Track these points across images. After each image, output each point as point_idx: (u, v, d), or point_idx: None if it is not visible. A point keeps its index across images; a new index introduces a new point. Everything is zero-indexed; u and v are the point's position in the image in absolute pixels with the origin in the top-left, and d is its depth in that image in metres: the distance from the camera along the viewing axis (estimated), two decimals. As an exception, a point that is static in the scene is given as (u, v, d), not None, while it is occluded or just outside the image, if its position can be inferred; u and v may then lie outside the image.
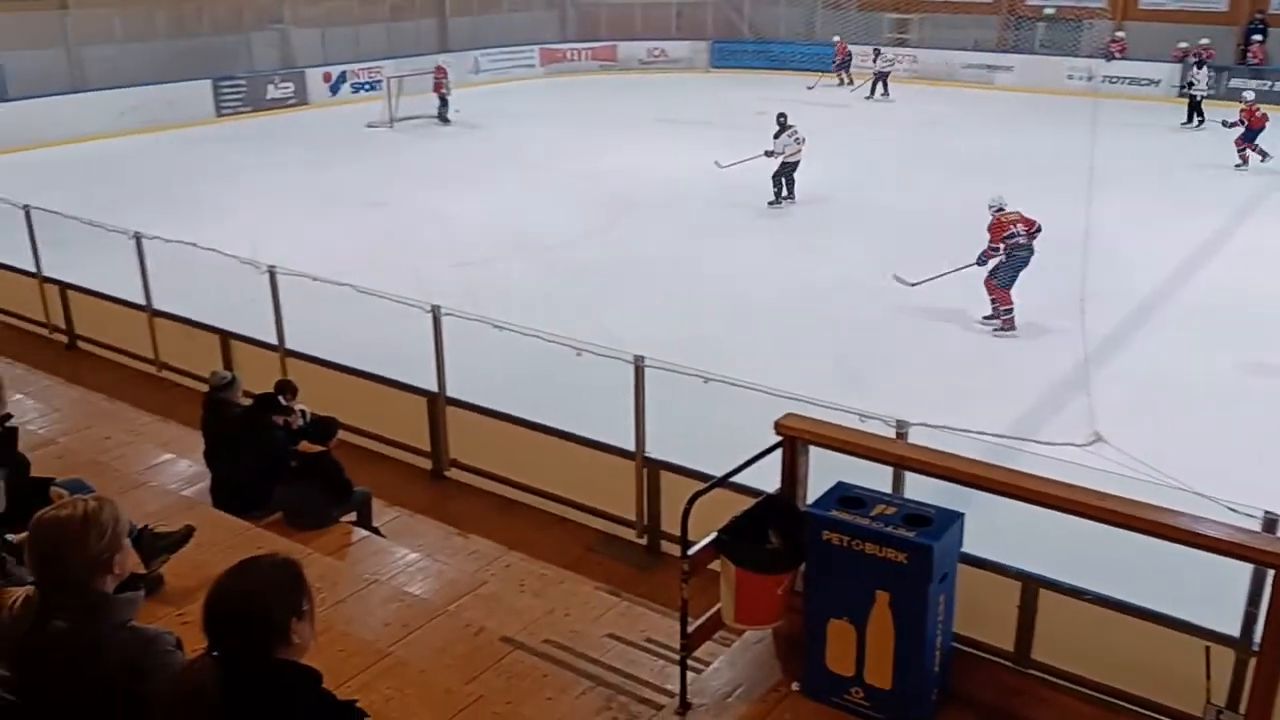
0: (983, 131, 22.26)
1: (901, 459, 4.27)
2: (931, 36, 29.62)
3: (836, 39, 28.42)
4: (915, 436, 5.63)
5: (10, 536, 3.14)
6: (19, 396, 6.66)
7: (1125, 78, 26.13)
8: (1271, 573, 3.21)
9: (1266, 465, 7.87)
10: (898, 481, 5.09)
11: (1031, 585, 5.38)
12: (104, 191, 16.01)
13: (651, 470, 7.08)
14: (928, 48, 29.27)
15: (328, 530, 6.06)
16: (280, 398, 6.48)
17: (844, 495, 3.70)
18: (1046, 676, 4.33)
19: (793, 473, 3.98)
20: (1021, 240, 10.85)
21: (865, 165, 18.99)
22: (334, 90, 25.82)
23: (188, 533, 4.32)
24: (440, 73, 23.55)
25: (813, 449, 3.97)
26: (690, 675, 3.86)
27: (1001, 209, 11.14)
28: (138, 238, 9.90)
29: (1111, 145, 16.54)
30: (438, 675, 3.98)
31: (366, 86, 25.83)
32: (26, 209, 10.78)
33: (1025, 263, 10.90)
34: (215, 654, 2.22)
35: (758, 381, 6.28)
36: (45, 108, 20.37)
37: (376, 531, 6.33)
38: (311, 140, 21.40)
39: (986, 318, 11.21)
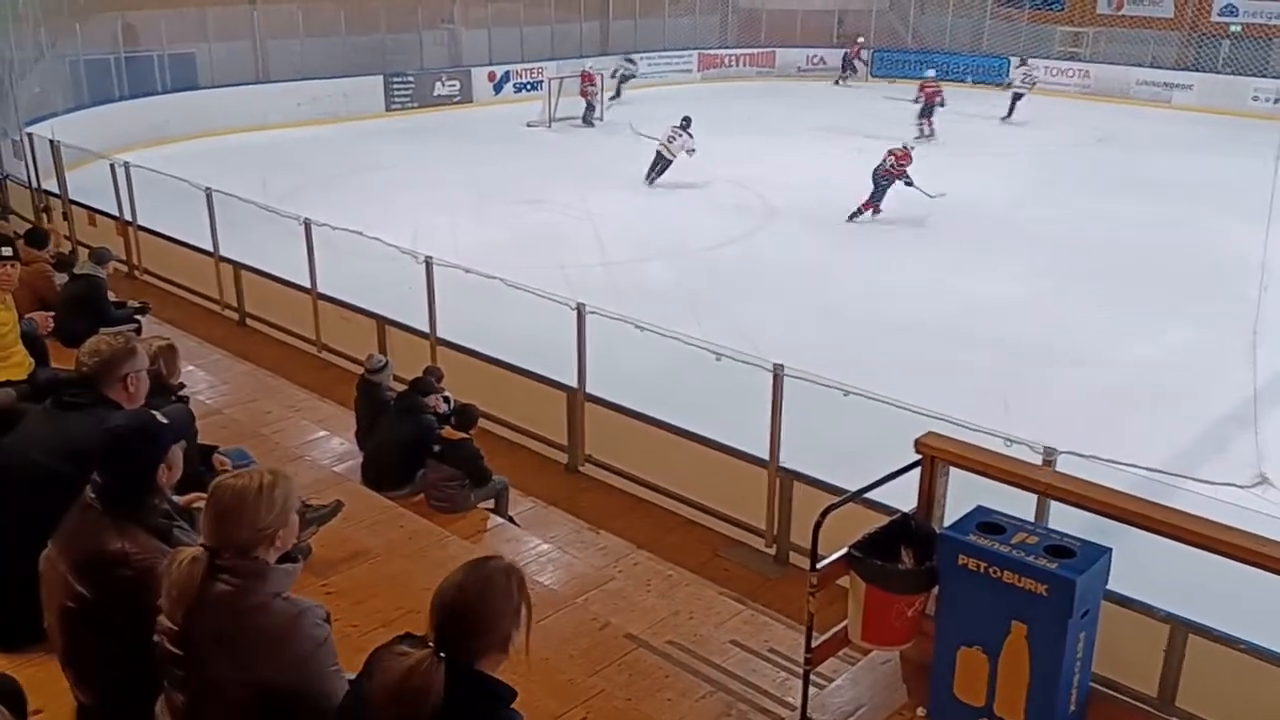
0: (1154, 151, 21.24)
1: (1047, 487, 4.12)
2: (1106, 51, 28.41)
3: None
4: (1063, 465, 5.43)
5: (176, 498, 3.34)
6: (191, 368, 7.08)
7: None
8: None
9: None
10: (1041, 510, 4.92)
11: (1181, 630, 5.12)
12: (281, 178, 16.88)
13: (785, 480, 7.03)
14: (1101, 62, 28.07)
15: (465, 514, 6.26)
16: (430, 382, 6.72)
17: (983, 520, 3.60)
18: (1190, 724, 4.12)
19: (930, 493, 3.90)
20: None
21: (1023, 183, 18.36)
22: (497, 89, 26.50)
23: (337, 507, 4.52)
24: (586, 79, 23.94)
25: (953, 470, 3.88)
26: (812, 690, 3.82)
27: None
28: (307, 224, 10.40)
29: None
30: (562, 665, 4.06)
31: (528, 86, 26.41)
32: (208, 191, 11.46)
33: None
34: (442, 655, 2.23)
35: (899, 398, 6.17)
36: (232, 97, 21.57)
37: (511, 520, 6.49)
38: (474, 137, 22.03)
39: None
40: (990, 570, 3.42)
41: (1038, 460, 5.43)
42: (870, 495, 3.93)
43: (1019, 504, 3.97)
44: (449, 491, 6.30)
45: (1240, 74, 26.12)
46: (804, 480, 6.92)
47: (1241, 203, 13.29)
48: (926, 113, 22.01)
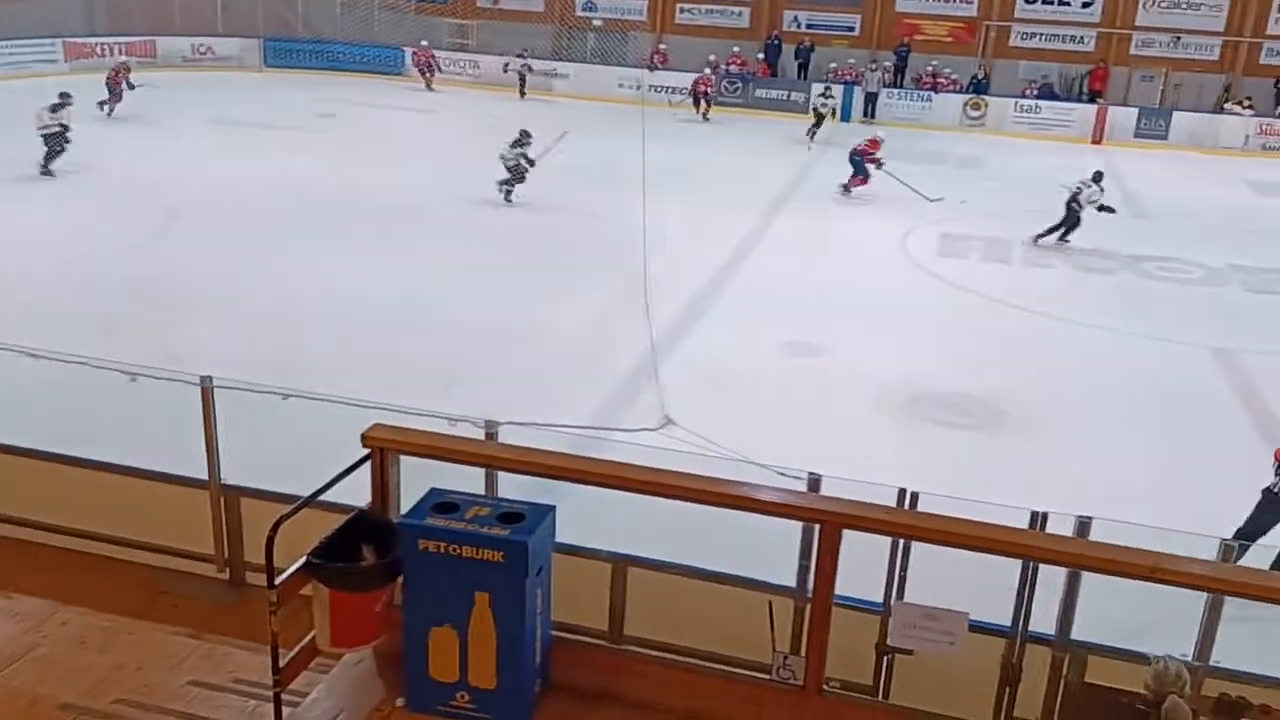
0: (547, 134, 23.14)
1: (492, 459, 4.32)
2: (491, 42, 30.30)
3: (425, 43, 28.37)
4: (506, 435, 5.71)
5: None
6: None
7: (669, 87, 28.32)
8: (818, 527, 3.62)
9: (811, 432, 8.90)
10: (491, 482, 5.13)
11: (620, 566, 5.66)
12: None
13: (230, 497, 6.57)
14: (490, 53, 29.87)
15: None
16: None
17: (438, 502, 3.66)
18: (639, 650, 4.57)
19: (384, 484, 3.88)
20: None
21: (436, 168, 19.03)
22: None
23: None
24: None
25: (405, 458, 3.89)
26: (286, 710, 3.63)
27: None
28: None
29: (663, 151, 17.89)
30: (-18, 761, 3.43)
31: None
32: None
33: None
34: None
35: (344, 393, 6.06)
36: None
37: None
38: None
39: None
40: (450, 549, 3.49)
41: (481, 434, 5.66)
42: (325, 498, 3.80)
43: (477, 480, 4.09)
44: None
45: (607, 63, 29.39)
46: (251, 494, 6.52)
47: (619, 179, 14.97)
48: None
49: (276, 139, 18.49)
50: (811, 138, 23.78)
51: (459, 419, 5.62)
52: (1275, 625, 4.15)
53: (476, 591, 3.50)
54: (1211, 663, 4.93)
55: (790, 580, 5.28)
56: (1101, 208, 16.07)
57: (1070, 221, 16.16)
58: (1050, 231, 16.20)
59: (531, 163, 16.74)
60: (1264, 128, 26.16)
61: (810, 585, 4.20)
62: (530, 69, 28.02)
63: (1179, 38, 27.80)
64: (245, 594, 6.46)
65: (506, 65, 28.20)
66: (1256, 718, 3.65)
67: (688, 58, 28.75)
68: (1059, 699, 5.02)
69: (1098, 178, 16.28)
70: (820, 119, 24.16)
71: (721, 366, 10.67)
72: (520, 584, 3.48)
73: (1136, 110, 26.89)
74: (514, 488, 4.21)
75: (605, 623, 5.64)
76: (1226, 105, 27.00)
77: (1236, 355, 11.75)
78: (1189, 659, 4.78)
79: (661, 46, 29.78)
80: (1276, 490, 7.23)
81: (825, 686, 3.49)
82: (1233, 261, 15.62)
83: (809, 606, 3.97)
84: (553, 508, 3.71)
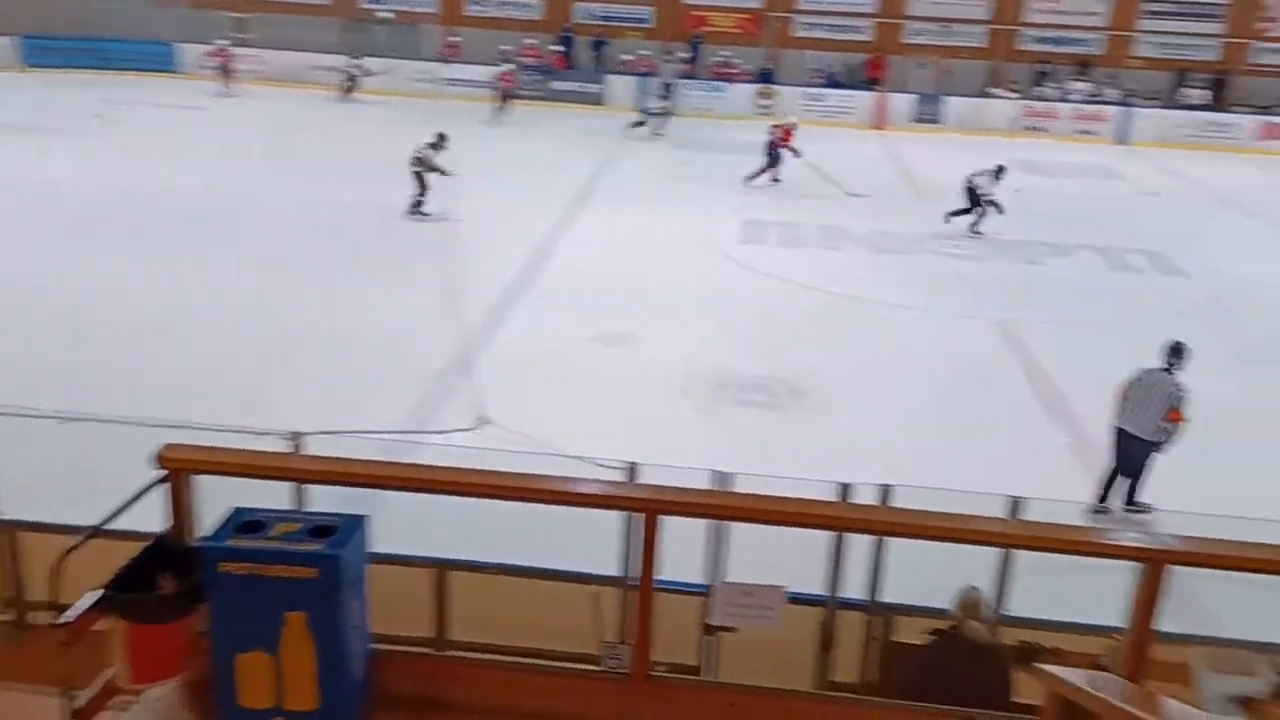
0: (335, 132, 22.44)
1: (298, 473, 4.14)
2: (278, 37, 29.08)
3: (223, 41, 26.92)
4: (314, 446, 5.50)
5: None
6: None
7: (465, 80, 27.96)
8: (632, 515, 3.65)
9: (626, 423, 8.99)
10: (300, 496, 4.93)
11: (441, 571, 5.57)
12: None
13: (7, 532, 6.08)
14: (275, 48, 28.67)
15: None
16: None
17: (243, 521, 3.48)
18: (467, 655, 4.50)
19: (180, 507, 3.65)
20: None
21: (223, 169, 18.13)
22: None
23: None
24: None
25: (205, 478, 3.68)
26: (84, 756, 3.38)
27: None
28: None
29: (468, 146, 17.68)
30: None
31: None
32: None
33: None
34: None
35: (133, 413, 5.69)
36: None
37: None
38: None
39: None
40: (256, 569, 3.32)
41: (288, 447, 5.43)
42: (116, 525, 3.55)
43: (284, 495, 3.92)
44: None
45: (399, 58, 28.65)
46: (33, 528, 6.05)
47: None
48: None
49: (44, 143, 17.16)
50: (642, 125, 24.06)
51: (262, 433, 5.38)
52: (1065, 575, 4.47)
53: (288, 612, 3.35)
54: (1010, 613, 5.28)
55: (616, 570, 5.32)
56: (990, 202, 16.84)
57: (971, 204, 16.93)
58: (961, 213, 16.96)
59: (444, 172, 15.54)
60: (1027, 110, 28.21)
61: (634, 573, 4.23)
62: (362, 70, 27.00)
63: (949, 26, 29.55)
64: (32, 635, 5.99)
65: (337, 67, 27.07)
66: (1049, 660, 3.92)
67: (480, 51, 28.46)
68: (866, 658, 5.28)
69: (999, 171, 16.96)
70: (650, 116, 24.35)
71: (535, 362, 10.63)
72: (335, 599, 3.35)
73: (913, 96, 28.44)
74: (326, 501, 4.05)
75: (430, 630, 5.54)
76: (993, 89, 28.92)
77: (1017, 326, 12.61)
78: (992, 613, 5.11)
79: (454, 39, 29.36)
80: (1119, 425, 8.18)
81: (652, 672, 3.52)
82: (1008, 237, 16.74)
83: (632, 593, 4.01)
84: (365, 518, 3.58)
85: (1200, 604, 5.18)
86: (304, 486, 4.86)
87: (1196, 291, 14.54)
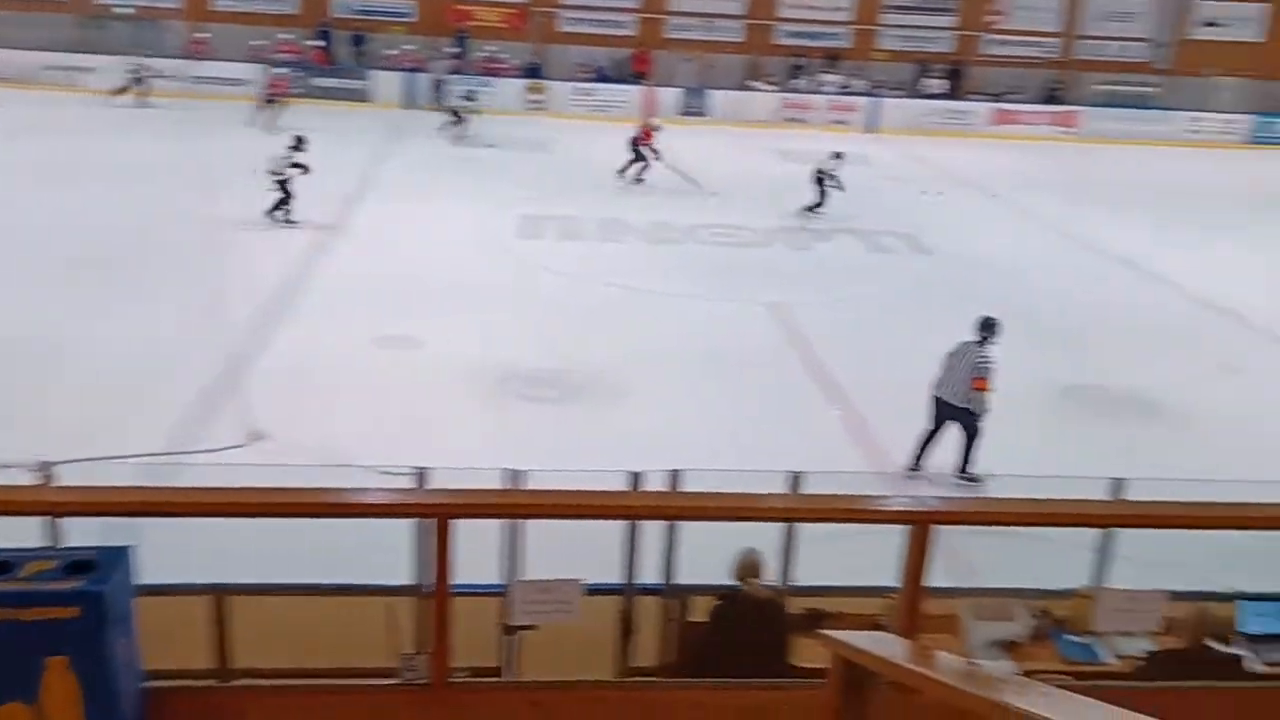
0: (77, 135, 20.81)
1: (50, 505, 3.81)
2: (8, 35, 26.50)
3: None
4: (68, 476, 5.07)
5: None
6: None
7: (215, 78, 26.47)
8: (423, 521, 3.56)
9: (412, 426, 8.79)
10: (56, 531, 4.54)
11: (219, 597, 5.26)
12: None
13: None
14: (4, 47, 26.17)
15: None
16: None
17: (-10, 563, 3.17)
18: (255, 682, 4.28)
19: (-90, 555, 3.28)
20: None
21: None
22: None
23: None
24: None
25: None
26: None
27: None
28: None
29: (230, 146, 16.77)
30: None
31: None
32: None
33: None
34: None
35: None
36: None
37: None
38: None
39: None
40: (8, 615, 3.03)
41: (37, 479, 4.98)
42: None
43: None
44: None
45: (147, 55, 26.61)
46: None
47: (195, 183, 13.78)
48: None
49: None
50: (454, 126, 23.48)
51: (5, 465, 4.91)
52: (844, 541, 4.69)
53: (48, 657, 3.07)
54: (796, 583, 5.51)
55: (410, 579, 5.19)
56: (835, 185, 17.91)
57: (820, 190, 17.88)
58: (815, 206, 17.91)
59: (306, 169, 15.14)
60: (786, 101, 29.48)
61: (428, 581, 4.14)
62: (150, 70, 24.91)
63: (710, 21, 30.45)
64: None
65: (122, 67, 24.86)
66: (832, 625, 4.13)
67: (231, 47, 27.07)
68: (664, 640, 5.38)
69: (836, 157, 18.05)
70: (459, 118, 23.67)
71: (313, 370, 10.22)
72: (99, 638, 3.10)
73: (679, 90, 29.16)
74: (85, 534, 3.74)
75: (212, 661, 5.23)
76: (753, 83, 30.06)
77: (787, 308, 13.16)
78: (778, 584, 5.32)
79: (202, 35, 27.78)
80: (935, 393, 8.80)
81: (452, 679, 3.45)
82: (774, 224, 17.45)
83: (429, 602, 3.92)
84: (128, 548, 3.34)
85: (966, 559, 5.58)
86: (58, 520, 4.47)
87: (942, 267, 15.63)
